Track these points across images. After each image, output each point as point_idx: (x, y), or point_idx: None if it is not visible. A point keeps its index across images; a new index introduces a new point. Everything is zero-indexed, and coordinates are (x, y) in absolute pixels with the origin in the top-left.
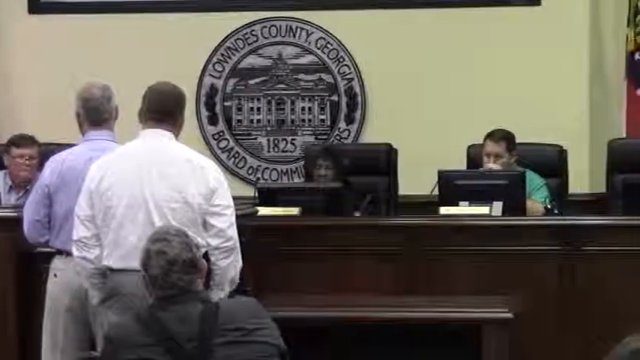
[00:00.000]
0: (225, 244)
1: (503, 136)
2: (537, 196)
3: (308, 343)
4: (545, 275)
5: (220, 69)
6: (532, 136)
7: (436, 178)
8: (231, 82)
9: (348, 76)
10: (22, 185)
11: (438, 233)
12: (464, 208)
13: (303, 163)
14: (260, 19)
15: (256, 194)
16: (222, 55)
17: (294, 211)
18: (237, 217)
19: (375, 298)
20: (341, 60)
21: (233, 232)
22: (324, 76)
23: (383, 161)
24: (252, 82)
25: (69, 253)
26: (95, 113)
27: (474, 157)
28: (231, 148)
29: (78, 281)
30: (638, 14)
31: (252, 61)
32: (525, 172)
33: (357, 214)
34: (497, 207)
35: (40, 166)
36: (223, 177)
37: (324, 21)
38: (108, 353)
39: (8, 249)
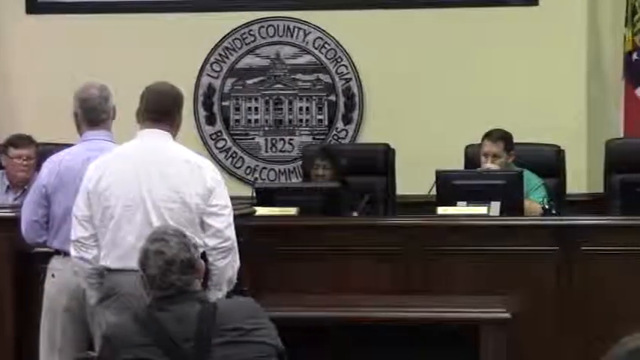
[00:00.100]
0: (223, 245)
1: (500, 136)
2: (535, 196)
3: (306, 343)
4: (542, 275)
5: (218, 69)
6: (530, 136)
7: (434, 178)
8: (229, 82)
9: (345, 76)
10: (19, 185)
11: (435, 233)
12: (462, 208)
13: (300, 163)
14: (258, 19)
15: (254, 194)
16: (220, 55)
17: (292, 211)
18: (235, 217)
19: (373, 298)
20: (339, 60)
21: (231, 232)
22: (321, 76)
23: (381, 161)
24: (249, 82)
25: (67, 253)
26: (93, 113)
27: (472, 157)
28: (229, 148)
29: (76, 281)
30: (635, 14)
31: (249, 61)
32: (523, 172)
33: (355, 214)
34: (495, 207)
35: (38, 166)
36: (221, 177)
37: (321, 21)
38: (106, 353)
39: (6, 249)
